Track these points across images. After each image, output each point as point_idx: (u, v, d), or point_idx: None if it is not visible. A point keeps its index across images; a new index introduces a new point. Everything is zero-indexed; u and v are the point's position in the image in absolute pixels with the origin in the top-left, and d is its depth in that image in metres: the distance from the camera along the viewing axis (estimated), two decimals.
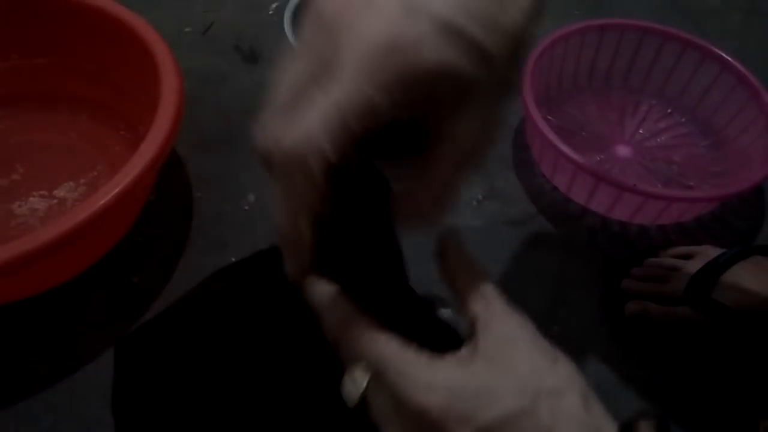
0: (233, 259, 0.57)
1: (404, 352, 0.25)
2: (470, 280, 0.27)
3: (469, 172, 0.24)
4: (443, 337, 0.32)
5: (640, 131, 0.70)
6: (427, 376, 0.24)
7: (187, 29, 0.80)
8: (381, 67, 0.19)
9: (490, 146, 0.23)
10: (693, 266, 0.53)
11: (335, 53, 0.20)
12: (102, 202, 0.44)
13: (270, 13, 0.83)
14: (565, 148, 0.56)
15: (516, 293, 0.56)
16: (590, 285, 0.57)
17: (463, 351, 0.26)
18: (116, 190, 0.45)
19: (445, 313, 0.54)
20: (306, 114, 0.21)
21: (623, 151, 0.68)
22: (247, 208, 0.62)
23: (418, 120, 0.22)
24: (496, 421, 0.23)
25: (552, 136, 0.57)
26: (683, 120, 0.71)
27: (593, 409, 0.25)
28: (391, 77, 0.19)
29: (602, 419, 0.25)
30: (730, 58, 0.66)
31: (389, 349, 0.25)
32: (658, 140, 0.70)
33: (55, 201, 0.59)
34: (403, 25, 0.19)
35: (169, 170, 0.63)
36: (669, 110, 0.72)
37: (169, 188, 0.62)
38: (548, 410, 0.24)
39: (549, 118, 0.69)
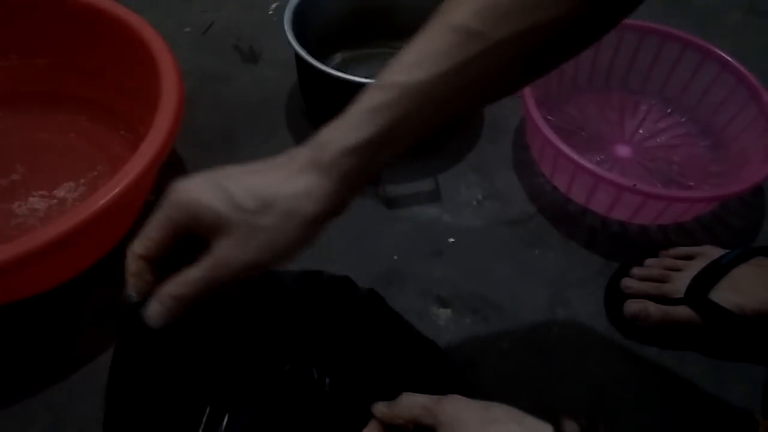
0: None
1: None
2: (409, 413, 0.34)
3: (220, 279, 0.32)
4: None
5: (640, 131, 0.70)
6: None
7: (187, 29, 0.80)
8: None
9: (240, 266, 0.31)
10: (694, 267, 0.53)
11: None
12: (102, 202, 0.44)
13: (270, 13, 0.83)
14: (565, 148, 0.56)
15: (516, 293, 0.56)
16: (590, 285, 0.57)
17: None
18: (116, 190, 0.45)
19: (445, 313, 0.54)
20: None
21: (623, 151, 0.68)
22: None
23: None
24: None
25: (552, 136, 0.57)
26: (683, 120, 0.71)
27: None
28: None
29: None
30: (730, 58, 0.66)
31: None
32: (658, 140, 0.70)
33: (55, 201, 0.59)
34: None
35: (169, 170, 0.63)
36: (669, 110, 0.72)
37: None
38: None
39: (549, 118, 0.69)
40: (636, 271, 0.55)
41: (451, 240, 0.60)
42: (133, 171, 0.46)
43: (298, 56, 0.61)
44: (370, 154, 0.31)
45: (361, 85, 0.57)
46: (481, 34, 0.30)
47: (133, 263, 0.32)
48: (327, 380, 0.36)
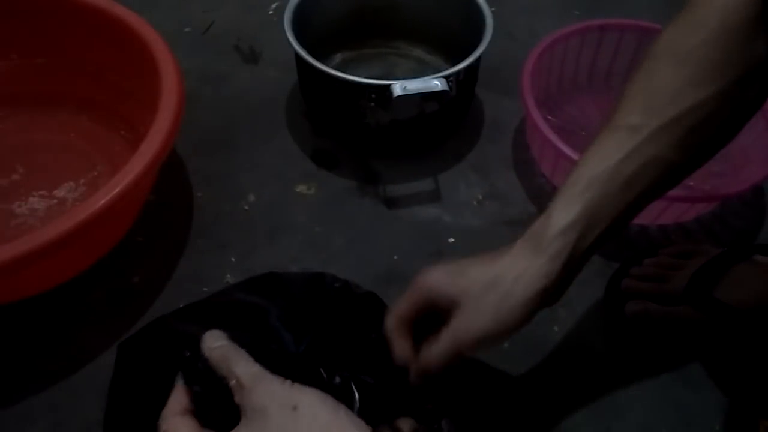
0: (233, 259, 0.57)
1: None
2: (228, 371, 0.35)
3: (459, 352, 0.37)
4: None
5: None
6: None
7: (187, 29, 0.80)
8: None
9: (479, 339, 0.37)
10: (693, 265, 0.53)
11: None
12: (102, 202, 0.44)
13: (270, 13, 0.84)
14: (565, 148, 0.56)
15: None
16: (590, 285, 0.57)
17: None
18: (116, 190, 0.45)
19: None
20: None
21: None
22: (247, 208, 0.62)
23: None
24: None
25: (552, 136, 0.57)
26: None
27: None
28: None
29: None
30: None
31: None
32: None
33: (55, 201, 0.59)
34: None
35: (169, 170, 0.63)
36: None
37: (169, 188, 0.62)
38: None
39: (549, 118, 0.69)
40: (636, 270, 0.55)
41: (451, 240, 0.60)
42: (133, 171, 0.46)
43: (298, 56, 0.61)
44: (577, 233, 0.36)
45: (362, 85, 0.58)
46: (638, 128, 0.36)
47: (391, 319, 0.40)
48: (337, 379, 0.37)
